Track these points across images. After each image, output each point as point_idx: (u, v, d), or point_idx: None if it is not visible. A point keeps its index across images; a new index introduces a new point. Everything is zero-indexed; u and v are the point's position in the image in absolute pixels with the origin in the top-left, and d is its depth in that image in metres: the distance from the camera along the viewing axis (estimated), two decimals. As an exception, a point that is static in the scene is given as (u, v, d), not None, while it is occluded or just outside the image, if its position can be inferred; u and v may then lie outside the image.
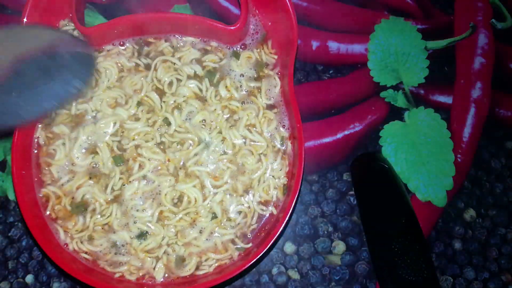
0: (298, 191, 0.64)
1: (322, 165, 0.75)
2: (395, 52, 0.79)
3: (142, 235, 0.66)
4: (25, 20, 0.66)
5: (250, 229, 0.67)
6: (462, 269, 0.73)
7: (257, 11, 0.73)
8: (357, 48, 0.79)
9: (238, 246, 0.67)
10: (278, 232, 0.63)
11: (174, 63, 0.70)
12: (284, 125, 0.70)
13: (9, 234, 0.71)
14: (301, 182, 0.65)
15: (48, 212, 0.66)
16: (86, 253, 0.65)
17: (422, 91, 0.78)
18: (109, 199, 0.66)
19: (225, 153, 0.68)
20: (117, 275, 0.65)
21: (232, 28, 0.69)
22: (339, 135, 0.76)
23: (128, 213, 0.66)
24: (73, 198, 0.66)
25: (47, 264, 0.70)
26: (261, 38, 0.73)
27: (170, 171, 0.67)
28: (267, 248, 0.63)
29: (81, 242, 0.65)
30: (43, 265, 0.70)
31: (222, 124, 0.68)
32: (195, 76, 0.70)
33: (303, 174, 0.66)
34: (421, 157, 0.75)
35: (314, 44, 0.79)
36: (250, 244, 0.66)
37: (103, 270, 0.65)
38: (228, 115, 0.69)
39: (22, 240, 0.71)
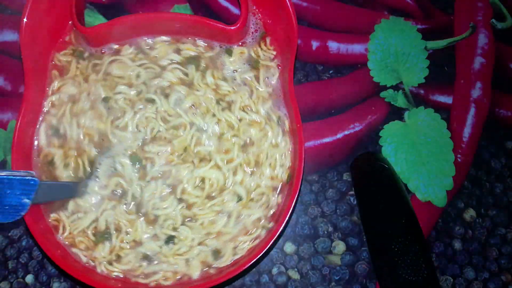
0: (298, 191, 0.64)
1: (322, 165, 0.75)
2: (395, 52, 0.79)
3: (170, 239, 0.65)
4: (25, 20, 0.66)
5: (272, 205, 0.67)
6: (462, 269, 0.73)
7: (257, 11, 0.73)
8: (357, 48, 0.79)
9: (263, 224, 0.67)
10: (278, 232, 0.63)
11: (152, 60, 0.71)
12: (279, 107, 0.70)
13: (9, 234, 0.71)
14: (301, 182, 0.65)
15: (63, 239, 0.66)
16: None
17: (422, 91, 0.78)
18: (131, 209, 0.66)
19: (224, 133, 0.68)
20: (152, 284, 0.65)
21: (232, 28, 0.69)
22: (339, 135, 0.76)
23: (150, 215, 0.66)
24: (95, 227, 0.66)
25: (47, 264, 0.70)
26: (259, 37, 0.73)
27: (183, 159, 0.67)
28: (267, 248, 0.63)
29: (110, 264, 0.65)
30: (43, 265, 0.70)
31: (214, 107, 0.68)
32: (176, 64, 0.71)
33: (303, 174, 0.66)
34: (421, 157, 0.75)
35: (314, 44, 0.79)
36: (272, 223, 0.67)
37: (136, 284, 0.64)
38: (219, 98, 0.69)
39: (22, 240, 0.71)
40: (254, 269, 0.71)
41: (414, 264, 0.64)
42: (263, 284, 0.70)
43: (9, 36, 0.77)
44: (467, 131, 0.77)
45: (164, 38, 0.71)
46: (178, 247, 0.65)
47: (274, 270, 0.71)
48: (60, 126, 0.68)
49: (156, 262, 0.65)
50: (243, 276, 0.70)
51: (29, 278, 0.70)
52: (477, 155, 0.76)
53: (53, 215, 0.66)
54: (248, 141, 0.69)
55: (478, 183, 0.76)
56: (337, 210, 0.74)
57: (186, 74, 0.70)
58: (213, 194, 0.67)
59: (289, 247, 0.72)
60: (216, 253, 0.66)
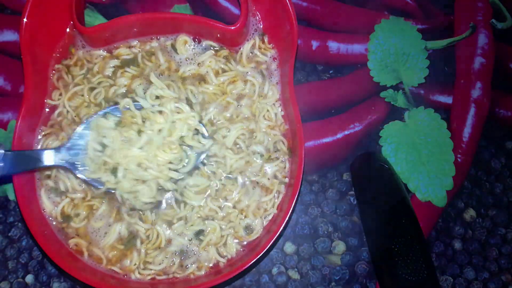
0: (298, 191, 0.64)
1: (322, 165, 0.75)
2: (395, 52, 0.79)
3: (199, 233, 0.67)
4: (25, 20, 0.66)
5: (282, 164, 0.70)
6: (462, 269, 0.73)
7: (257, 11, 0.73)
8: (357, 48, 0.79)
9: (279, 179, 0.69)
10: (278, 232, 0.63)
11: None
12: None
13: (9, 234, 0.71)
14: (301, 182, 0.65)
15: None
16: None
17: (422, 91, 0.78)
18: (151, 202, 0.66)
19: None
20: (191, 276, 0.66)
21: (232, 28, 0.69)
22: (339, 135, 0.76)
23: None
24: (119, 233, 0.67)
25: (47, 264, 0.70)
26: (259, 37, 0.73)
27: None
28: (267, 248, 0.63)
29: (143, 269, 0.66)
30: (43, 265, 0.70)
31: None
32: None
33: (303, 174, 0.66)
34: (421, 157, 0.75)
35: (314, 44, 0.79)
36: (287, 179, 0.69)
37: (174, 279, 0.66)
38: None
39: (22, 240, 0.71)
40: (254, 269, 0.71)
41: (414, 264, 0.64)
42: (263, 284, 0.70)
43: (9, 36, 0.77)
44: (467, 131, 0.77)
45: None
46: (209, 238, 0.66)
47: (274, 270, 0.71)
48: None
49: (190, 254, 0.67)
50: (243, 276, 0.70)
51: (29, 278, 0.70)
52: (477, 155, 0.76)
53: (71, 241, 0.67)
54: (237, 105, 0.71)
55: (478, 183, 0.76)
56: (337, 210, 0.74)
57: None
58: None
59: (289, 247, 0.72)
60: (248, 228, 0.67)
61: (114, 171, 0.64)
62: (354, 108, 0.77)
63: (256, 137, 0.69)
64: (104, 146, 0.65)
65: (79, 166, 0.65)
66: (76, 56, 0.71)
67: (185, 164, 0.66)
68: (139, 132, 0.64)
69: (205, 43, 0.72)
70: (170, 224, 0.67)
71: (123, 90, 0.69)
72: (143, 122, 0.65)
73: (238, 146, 0.69)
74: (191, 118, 0.66)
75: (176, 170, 0.65)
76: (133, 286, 0.65)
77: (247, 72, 0.72)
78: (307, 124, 0.76)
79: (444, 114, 0.77)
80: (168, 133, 0.65)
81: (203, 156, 0.67)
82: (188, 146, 0.66)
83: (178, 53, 0.72)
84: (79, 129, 0.66)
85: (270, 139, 0.70)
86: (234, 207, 0.68)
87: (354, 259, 0.72)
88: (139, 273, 0.66)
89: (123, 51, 0.71)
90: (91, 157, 0.65)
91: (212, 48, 0.72)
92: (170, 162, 0.65)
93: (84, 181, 0.66)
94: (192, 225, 0.67)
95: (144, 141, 0.64)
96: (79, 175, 0.65)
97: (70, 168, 0.65)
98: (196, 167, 0.67)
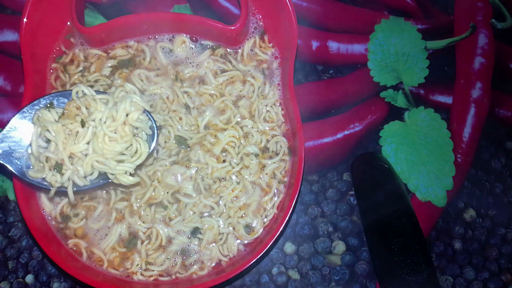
0: (298, 191, 0.64)
1: (322, 165, 0.75)
2: (395, 52, 0.79)
3: (196, 231, 0.67)
4: (25, 20, 0.66)
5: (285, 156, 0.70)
6: (462, 269, 0.73)
7: (257, 11, 0.73)
8: (357, 48, 0.79)
9: (279, 179, 0.69)
10: (278, 232, 0.63)
11: None
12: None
13: (9, 234, 0.71)
14: (301, 182, 0.65)
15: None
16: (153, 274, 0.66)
17: (422, 91, 0.78)
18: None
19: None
20: (194, 276, 0.66)
21: (232, 28, 0.69)
22: (339, 135, 0.76)
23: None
24: (120, 235, 0.67)
25: (47, 264, 0.70)
26: (259, 37, 0.73)
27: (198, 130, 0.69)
28: (267, 248, 0.63)
29: (145, 270, 0.66)
30: (43, 265, 0.70)
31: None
32: None
33: (303, 174, 0.67)
34: (421, 157, 0.75)
35: (314, 44, 0.79)
36: (287, 179, 0.69)
37: (176, 279, 0.66)
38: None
39: (22, 240, 0.71)
40: (254, 269, 0.71)
41: (414, 264, 0.64)
42: (263, 284, 0.70)
43: (9, 36, 0.77)
44: (467, 131, 0.77)
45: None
46: (207, 235, 0.66)
47: (274, 270, 0.71)
48: None
49: (192, 252, 0.67)
50: (243, 276, 0.70)
51: (29, 278, 0.70)
52: (477, 155, 0.76)
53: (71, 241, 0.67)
54: (234, 98, 0.71)
55: (478, 183, 0.76)
56: (337, 210, 0.74)
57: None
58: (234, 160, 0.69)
59: (289, 247, 0.72)
60: (248, 227, 0.67)
61: (59, 168, 0.59)
62: (354, 108, 0.77)
63: (252, 137, 0.69)
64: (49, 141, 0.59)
65: (19, 164, 0.59)
66: (71, 53, 0.71)
67: (140, 149, 0.61)
68: (83, 123, 0.59)
69: (203, 42, 0.72)
70: (167, 222, 0.67)
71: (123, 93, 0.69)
72: (88, 112, 0.60)
73: (224, 154, 0.69)
74: (135, 97, 0.62)
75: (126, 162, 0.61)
76: (135, 287, 0.65)
77: (249, 71, 0.72)
78: (307, 124, 0.76)
79: (444, 114, 0.77)
80: (111, 120, 0.60)
81: (153, 144, 0.64)
82: (136, 128, 0.62)
83: (176, 53, 0.72)
84: (14, 120, 0.59)
85: (266, 138, 0.70)
86: (231, 202, 0.68)
87: (354, 259, 0.72)
88: (141, 274, 0.66)
89: (120, 52, 0.71)
90: (35, 155, 0.60)
91: (208, 47, 0.72)
92: (123, 154, 0.61)
93: (28, 183, 0.61)
94: (188, 222, 0.67)
95: (91, 134, 0.59)
96: (16, 175, 0.59)
97: (4, 163, 0.58)
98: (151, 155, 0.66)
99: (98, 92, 0.63)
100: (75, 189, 0.61)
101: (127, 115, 0.61)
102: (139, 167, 0.64)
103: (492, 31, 0.81)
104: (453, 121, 0.77)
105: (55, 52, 0.71)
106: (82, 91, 0.61)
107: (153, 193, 0.67)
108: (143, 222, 0.67)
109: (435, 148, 0.75)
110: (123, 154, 0.61)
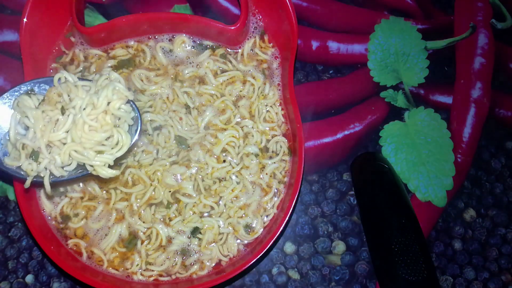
0: (298, 191, 0.64)
1: (322, 165, 0.75)
2: (395, 52, 0.79)
3: (196, 230, 0.67)
4: (25, 20, 0.66)
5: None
6: (462, 269, 0.73)
7: (257, 11, 0.73)
8: (357, 48, 0.79)
9: (279, 179, 0.69)
10: (278, 232, 0.63)
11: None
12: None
13: (9, 234, 0.71)
14: (301, 182, 0.65)
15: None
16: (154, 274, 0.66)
17: (422, 91, 0.78)
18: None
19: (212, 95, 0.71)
20: (194, 276, 0.66)
21: (232, 28, 0.69)
22: (339, 135, 0.76)
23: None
24: (120, 235, 0.66)
25: (47, 264, 0.70)
26: (259, 37, 0.73)
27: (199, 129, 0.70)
28: (267, 248, 0.63)
29: (145, 270, 0.66)
30: (43, 265, 0.70)
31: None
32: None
33: (303, 174, 0.66)
34: (421, 157, 0.75)
35: (314, 44, 0.79)
36: (287, 179, 0.68)
37: (176, 279, 0.66)
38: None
39: (22, 240, 0.71)
40: (254, 269, 0.71)
41: (414, 264, 0.64)
42: (263, 284, 0.70)
43: (9, 36, 0.77)
44: (467, 131, 0.77)
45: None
46: (207, 235, 0.66)
47: (274, 270, 0.71)
48: None
49: (192, 252, 0.67)
50: (243, 276, 0.70)
51: (29, 278, 0.70)
52: (477, 155, 0.76)
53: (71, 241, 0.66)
54: (235, 98, 0.71)
55: (478, 183, 0.76)
56: (337, 210, 0.74)
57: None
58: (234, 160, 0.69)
59: (289, 247, 0.72)
60: (248, 227, 0.67)
61: (35, 156, 0.57)
62: (354, 108, 0.77)
63: (252, 137, 0.70)
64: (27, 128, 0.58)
65: None
66: (71, 53, 0.71)
67: (122, 140, 0.59)
68: (63, 110, 0.57)
69: (203, 42, 0.72)
70: (167, 222, 0.67)
71: (107, 81, 0.68)
72: (69, 99, 0.58)
73: (224, 154, 0.69)
74: (118, 85, 0.59)
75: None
76: (135, 287, 0.65)
77: (249, 71, 0.72)
78: (307, 124, 0.76)
79: (444, 114, 0.77)
80: (91, 107, 0.57)
81: (136, 137, 0.62)
82: (119, 119, 0.60)
83: (176, 53, 0.72)
84: None
85: (266, 138, 0.70)
86: (231, 202, 0.68)
87: (354, 259, 0.72)
88: (141, 274, 0.66)
89: (120, 52, 0.71)
90: (12, 142, 0.57)
91: (208, 47, 0.72)
92: (103, 144, 0.58)
93: (4, 172, 0.58)
94: (188, 222, 0.67)
95: (70, 122, 0.57)
96: None
97: None
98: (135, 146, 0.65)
99: (81, 79, 0.61)
100: (52, 179, 0.59)
101: (108, 103, 0.58)
102: (120, 159, 0.61)
103: (492, 31, 0.81)
104: (453, 121, 0.77)
105: (55, 52, 0.71)
106: (65, 77, 0.60)
107: (153, 193, 0.67)
108: (143, 222, 0.67)
109: (435, 148, 0.75)
110: (103, 145, 0.58)
